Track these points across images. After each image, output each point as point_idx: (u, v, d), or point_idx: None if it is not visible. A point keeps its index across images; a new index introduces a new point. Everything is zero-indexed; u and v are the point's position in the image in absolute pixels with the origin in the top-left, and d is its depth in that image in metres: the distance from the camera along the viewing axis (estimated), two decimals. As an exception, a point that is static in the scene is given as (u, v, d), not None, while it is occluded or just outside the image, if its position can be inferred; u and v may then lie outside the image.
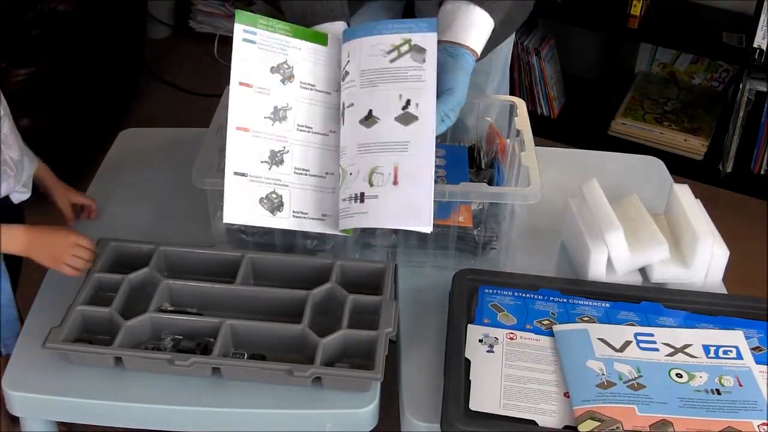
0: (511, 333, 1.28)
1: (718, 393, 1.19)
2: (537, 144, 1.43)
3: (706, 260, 1.38)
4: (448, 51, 1.29)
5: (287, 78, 1.29)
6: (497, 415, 1.16)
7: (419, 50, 1.26)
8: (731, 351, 1.26)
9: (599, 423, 1.13)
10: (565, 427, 1.15)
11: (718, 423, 1.15)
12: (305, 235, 1.41)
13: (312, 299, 1.28)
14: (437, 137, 1.24)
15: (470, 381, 1.20)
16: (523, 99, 1.73)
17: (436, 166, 1.31)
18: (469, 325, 1.29)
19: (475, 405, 1.17)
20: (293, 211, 1.27)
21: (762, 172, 2.77)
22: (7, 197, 1.40)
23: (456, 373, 1.20)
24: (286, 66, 1.29)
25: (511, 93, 1.88)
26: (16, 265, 1.50)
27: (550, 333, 1.28)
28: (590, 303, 1.34)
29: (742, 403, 1.17)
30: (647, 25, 2.76)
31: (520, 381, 1.21)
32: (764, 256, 2.48)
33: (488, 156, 1.52)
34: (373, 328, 1.23)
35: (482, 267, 1.41)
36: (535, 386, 1.20)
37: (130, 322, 1.24)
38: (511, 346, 1.26)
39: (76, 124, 2.56)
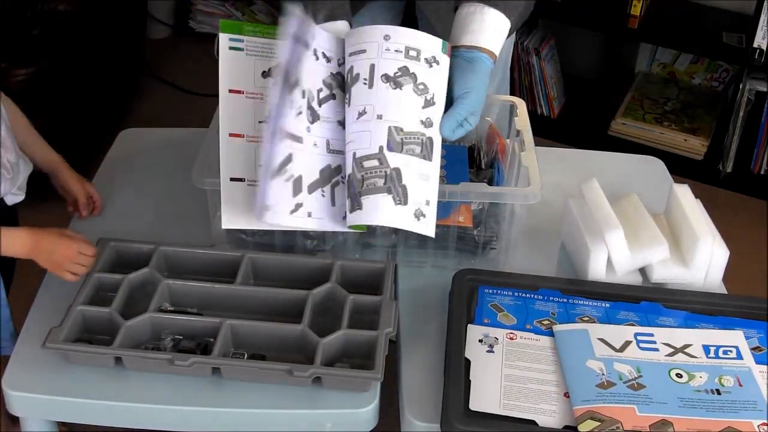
0: (511, 333, 1.28)
1: (718, 393, 1.19)
2: (537, 144, 1.43)
3: (706, 260, 1.38)
4: (465, 55, 1.29)
5: None
6: (497, 415, 1.16)
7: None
8: (731, 351, 1.26)
9: (599, 423, 1.13)
10: (565, 427, 1.15)
11: (718, 423, 1.15)
12: (305, 235, 1.41)
13: (312, 299, 1.28)
14: (458, 141, 1.25)
15: (470, 381, 1.20)
16: (523, 99, 1.73)
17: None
18: (469, 325, 1.29)
19: (475, 405, 1.17)
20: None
21: (762, 172, 2.77)
22: (0, 199, 1.40)
23: (456, 373, 1.20)
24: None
25: (511, 93, 1.88)
26: (9, 265, 1.50)
27: (550, 333, 1.28)
28: (590, 303, 1.34)
29: (742, 403, 1.17)
30: (647, 25, 2.76)
31: (520, 381, 1.21)
32: (764, 256, 2.48)
33: (488, 156, 1.52)
34: (373, 328, 1.23)
35: (482, 267, 1.41)
36: (535, 386, 1.20)
37: (130, 322, 1.24)
38: (511, 346, 1.26)
39: (76, 124, 2.56)
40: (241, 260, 1.34)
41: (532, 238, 1.49)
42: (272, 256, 1.36)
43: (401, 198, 1.21)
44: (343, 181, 1.27)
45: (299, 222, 1.24)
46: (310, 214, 1.25)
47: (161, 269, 1.35)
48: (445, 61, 1.28)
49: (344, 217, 1.25)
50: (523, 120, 1.47)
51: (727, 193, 2.76)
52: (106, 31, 2.70)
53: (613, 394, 1.17)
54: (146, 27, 3.22)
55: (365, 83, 1.26)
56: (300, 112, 1.25)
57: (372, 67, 1.26)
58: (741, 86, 2.65)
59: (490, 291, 1.35)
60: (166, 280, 1.31)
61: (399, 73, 1.26)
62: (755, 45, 2.56)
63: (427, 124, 1.25)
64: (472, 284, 1.36)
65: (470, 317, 1.31)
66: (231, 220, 1.26)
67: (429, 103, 1.26)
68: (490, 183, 1.46)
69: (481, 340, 1.26)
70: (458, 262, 1.42)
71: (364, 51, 1.27)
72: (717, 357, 1.25)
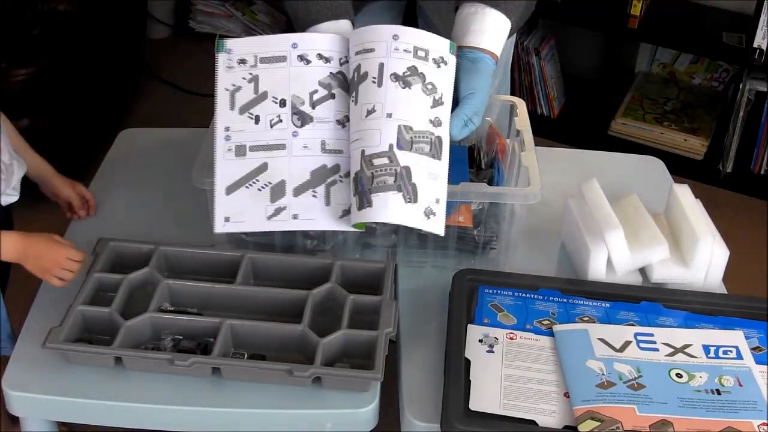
0: (511, 333, 1.28)
1: (718, 393, 1.19)
2: (537, 144, 1.43)
3: (706, 260, 1.38)
4: (468, 56, 1.31)
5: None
6: (497, 415, 1.16)
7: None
8: (731, 351, 1.26)
9: (599, 423, 1.13)
10: (565, 427, 1.15)
11: (718, 423, 1.15)
12: (305, 235, 1.41)
13: (312, 299, 1.28)
14: (459, 141, 1.26)
15: (470, 381, 1.20)
16: (523, 99, 1.73)
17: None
18: (469, 325, 1.29)
19: (475, 405, 1.17)
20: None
21: (762, 172, 2.77)
22: None
23: (456, 373, 1.20)
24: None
25: (511, 93, 1.88)
26: (4, 266, 1.50)
27: (550, 333, 1.28)
28: (590, 303, 1.34)
29: (742, 403, 1.17)
30: (647, 25, 2.76)
31: (520, 381, 1.21)
32: (764, 256, 2.48)
33: (488, 156, 1.52)
34: (373, 328, 1.23)
35: (482, 267, 1.41)
36: (535, 386, 1.20)
37: (130, 322, 1.24)
38: (511, 346, 1.26)
39: (76, 124, 2.56)
40: (241, 260, 1.34)
41: (532, 238, 1.49)
42: (272, 256, 1.36)
43: (411, 196, 1.21)
44: (341, 180, 1.27)
45: (282, 225, 1.27)
46: (296, 216, 1.26)
47: (161, 269, 1.35)
48: (452, 61, 1.29)
49: (341, 216, 1.26)
50: (523, 120, 1.47)
51: (727, 193, 2.76)
52: (106, 31, 2.70)
53: (613, 394, 1.17)
54: (146, 27, 3.21)
55: (374, 81, 1.26)
56: (279, 121, 1.29)
57: (381, 66, 1.27)
58: (741, 86, 2.64)
59: (490, 291, 1.35)
60: (166, 280, 1.31)
61: (408, 73, 1.27)
62: (755, 45, 2.56)
63: (436, 123, 1.26)
64: (472, 284, 1.36)
65: (470, 317, 1.31)
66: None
67: (437, 103, 1.27)
68: (490, 183, 1.46)
69: (481, 340, 1.26)
70: (458, 262, 1.42)
71: (372, 50, 1.28)
72: (717, 357, 1.25)
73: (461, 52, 1.32)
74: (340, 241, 1.43)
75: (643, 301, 1.34)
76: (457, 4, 1.36)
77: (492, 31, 1.33)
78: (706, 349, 1.26)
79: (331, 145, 1.29)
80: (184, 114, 2.94)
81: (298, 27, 1.38)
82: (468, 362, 1.23)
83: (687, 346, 1.26)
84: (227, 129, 1.30)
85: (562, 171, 1.61)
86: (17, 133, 1.48)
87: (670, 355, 1.25)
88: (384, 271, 1.33)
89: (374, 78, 1.27)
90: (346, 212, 1.26)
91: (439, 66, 1.28)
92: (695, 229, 1.37)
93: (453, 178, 1.43)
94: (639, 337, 1.27)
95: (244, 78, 1.32)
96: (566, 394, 1.18)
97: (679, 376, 1.21)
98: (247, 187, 1.28)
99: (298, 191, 1.27)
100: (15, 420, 1.54)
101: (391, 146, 1.23)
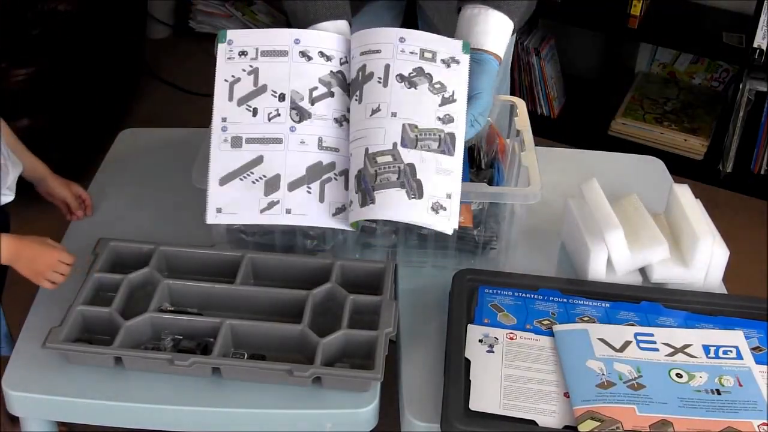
0: (511, 333, 1.28)
1: (718, 393, 1.19)
2: (537, 144, 1.43)
3: (706, 260, 1.38)
4: (473, 57, 1.31)
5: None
6: (497, 415, 1.16)
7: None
8: (731, 351, 1.26)
9: (599, 423, 1.13)
10: (565, 427, 1.15)
11: (718, 423, 1.15)
12: (305, 235, 1.41)
13: (312, 299, 1.28)
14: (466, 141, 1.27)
15: (470, 381, 1.20)
16: (523, 99, 1.73)
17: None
18: (469, 325, 1.29)
19: (475, 405, 1.17)
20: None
21: (762, 172, 2.77)
22: None
23: (456, 373, 1.20)
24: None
25: (511, 93, 1.88)
26: (1, 268, 1.50)
27: (550, 333, 1.28)
28: (590, 303, 1.34)
29: (742, 403, 1.17)
30: (647, 25, 2.76)
31: (520, 381, 1.21)
32: (764, 256, 2.48)
33: (488, 156, 1.52)
34: (373, 328, 1.23)
35: (482, 267, 1.41)
36: (535, 386, 1.20)
37: (130, 322, 1.24)
38: (511, 346, 1.26)
39: (76, 124, 2.56)
40: (241, 260, 1.34)
41: (532, 238, 1.49)
42: (272, 256, 1.36)
43: (415, 192, 1.22)
44: (336, 178, 1.28)
45: (275, 219, 1.27)
46: (290, 211, 1.27)
47: (161, 269, 1.35)
48: (465, 60, 1.30)
49: (334, 213, 1.26)
50: (523, 120, 1.47)
51: (727, 193, 2.76)
52: (106, 31, 2.70)
53: (613, 394, 1.17)
54: (146, 27, 3.21)
55: (379, 81, 1.27)
56: (278, 115, 1.29)
57: (387, 67, 1.28)
58: (741, 86, 2.64)
59: (490, 291, 1.35)
60: (166, 280, 1.31)
61: (414, 74, 1.28)
62: (755, 45, 2.56)
63: (446, 120, 1.26)
64: (472, 284, 1.36)
65: (470, 317, 1.31)
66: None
67: (448, 101, 1.27)
68: (490, 183, 1.46)
69: (481, 340, 1.26)
70: (458, 262, 1.42)
71: (378, 51, 1.29)
72: (717, 357, 1.25)
73: None
74: (340, 241, 1.43)
75: (643, 301, 1.34)
76: (459, 4, 1.36)
77: (495, 33, 1.34)
78: (706, 349, 1.26)
79: (328, 143, 1.29)
80: (184, 114, 2.94)
81: (296, 26, 1.38)
82: (468, 362, 1.23)
83: (687, 346, 1.26)
84: (224, 120, 1.30)
85: (562, 171, 1.61)
86: (12, 133, 1.48)
87: (670, 355, 1.25)
88: (384, 271, 1.33)
89: (380, 78, 1.27)
90: (339, 210, 1.27)
91: (449, 66, 1.29)
92: (695, 229, 1.37)
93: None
94: (639, 337, 1.27)
95: (244, 70, 1.32)
96: (566, 394, 1.18)
97: (679, 376, 1.21)
98: (241, 179, 1.28)
99: (293, 186, 1.27)
100: (15, 420, 1.54)
101: (395, 144, 1.24)
